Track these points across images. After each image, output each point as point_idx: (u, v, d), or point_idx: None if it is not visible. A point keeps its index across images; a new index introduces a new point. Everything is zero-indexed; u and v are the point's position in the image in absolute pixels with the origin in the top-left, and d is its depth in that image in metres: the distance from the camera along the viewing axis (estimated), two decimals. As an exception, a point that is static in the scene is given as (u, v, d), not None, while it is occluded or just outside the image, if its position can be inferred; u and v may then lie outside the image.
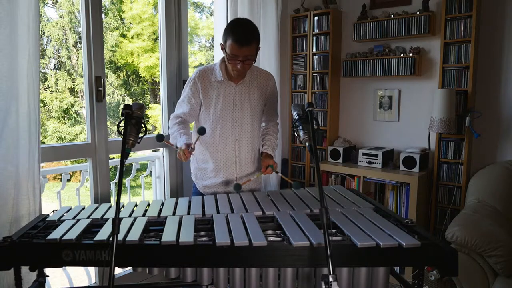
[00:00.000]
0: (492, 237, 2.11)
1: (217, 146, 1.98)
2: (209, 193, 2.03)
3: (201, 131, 1.78)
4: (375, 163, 3.00)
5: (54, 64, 9.52)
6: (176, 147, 1.84)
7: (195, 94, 1.96)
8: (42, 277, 1.63)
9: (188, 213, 1.59)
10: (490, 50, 2.77)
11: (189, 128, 2.04)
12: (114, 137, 4.95)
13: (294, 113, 1.51)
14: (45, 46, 9.22)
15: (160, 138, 1.74)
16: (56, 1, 9.27)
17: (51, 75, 9.21)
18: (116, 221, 1.16)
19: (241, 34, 1.78)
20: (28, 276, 1.76)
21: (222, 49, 1.87)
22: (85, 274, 2.61)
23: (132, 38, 9.66)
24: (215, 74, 1.96)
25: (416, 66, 2.92)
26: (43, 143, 6.72)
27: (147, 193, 6.80)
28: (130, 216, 1.59)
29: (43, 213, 1.87)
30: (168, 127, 2.02)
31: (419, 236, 1.32)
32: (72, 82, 9.31)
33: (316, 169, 1.25)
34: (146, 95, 10.63)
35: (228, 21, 2.92)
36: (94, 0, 2.22)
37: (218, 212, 1.59)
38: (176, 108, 2.06)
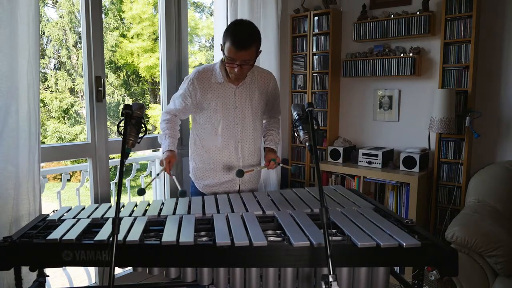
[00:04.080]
0: (492, 237, 2.11)
1: (220, 147, 1.97)
2: (209, 192, 2.03)
3: (182, 194, 1.81)
4: (375, 163, 3.00)
5: (54, 64, 9.52)
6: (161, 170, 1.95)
7: (192, 95, 1.95)
8: (42, 277, 1.63)
9: (188, 213, 1.59)
10: (490, 50, 2.77)
11: (177, 128, 2.04)
12: (114, 137, 4.95)
13: (294, 113, 1.51)
14: (45, 46, 9.22)
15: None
16: (56, 1, 9.27)
17: (51, 75, 9.22)
18: (116, 221, 1.16)
19: (240, 37, 1.72)
20: (28, 276, 1.76)
21: (221, 50, 1.84)
22: (85, 274, 2.61)
23: (132, 38, 9.67)
24: (215, 76, 1.92)
25: (416, 66, 2.91)
26: (43, 143, 6.71)
27: (147, 193, 6.79)
28: (130, 216, 1.59)
29: (43, 213, 1.87)
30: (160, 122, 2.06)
31: (419, 236, 1.32)
32: (72, 82, 9.32)
33: (316, 169, 1.25)
34: (146, 95, 10.63)
35: (228, 21, 2.92)
36: (94, 0, 2.22)
37: (218, 212, 1.59)
38: (171, 101, 2.06)
